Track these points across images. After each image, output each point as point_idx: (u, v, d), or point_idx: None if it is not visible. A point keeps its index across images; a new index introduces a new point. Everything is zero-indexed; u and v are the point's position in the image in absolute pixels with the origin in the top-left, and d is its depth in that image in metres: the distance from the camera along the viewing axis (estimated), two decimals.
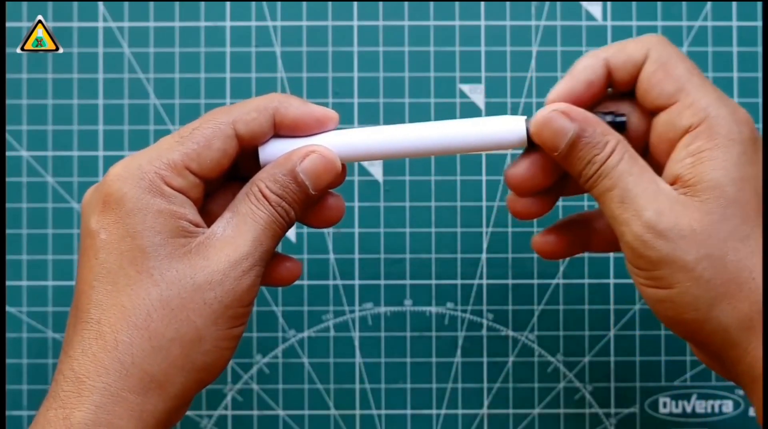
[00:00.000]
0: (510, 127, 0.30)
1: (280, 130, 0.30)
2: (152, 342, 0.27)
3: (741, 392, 0.41)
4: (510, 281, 0.41)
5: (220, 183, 0.31)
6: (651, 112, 0.29)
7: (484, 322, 0.41)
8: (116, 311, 0.27)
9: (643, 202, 0.27)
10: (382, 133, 0.30)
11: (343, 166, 0.30)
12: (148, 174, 0.28)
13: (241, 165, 0.31)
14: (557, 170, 0.30)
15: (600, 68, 0.29)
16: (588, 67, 0.29)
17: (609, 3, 0.41)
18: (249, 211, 0.29)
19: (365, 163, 0.41)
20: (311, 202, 0.30)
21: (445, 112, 0.41)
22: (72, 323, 0.28)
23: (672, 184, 0.28)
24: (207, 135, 0.28)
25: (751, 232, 0.27)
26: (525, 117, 0.30)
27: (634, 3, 0.41)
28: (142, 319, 0.27)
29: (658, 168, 0.29)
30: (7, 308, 0.41)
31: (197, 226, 0.28)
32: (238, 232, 0.28)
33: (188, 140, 0.28)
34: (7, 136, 0.41)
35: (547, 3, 0.41)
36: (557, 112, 0.28)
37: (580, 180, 0.29)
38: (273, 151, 0.30)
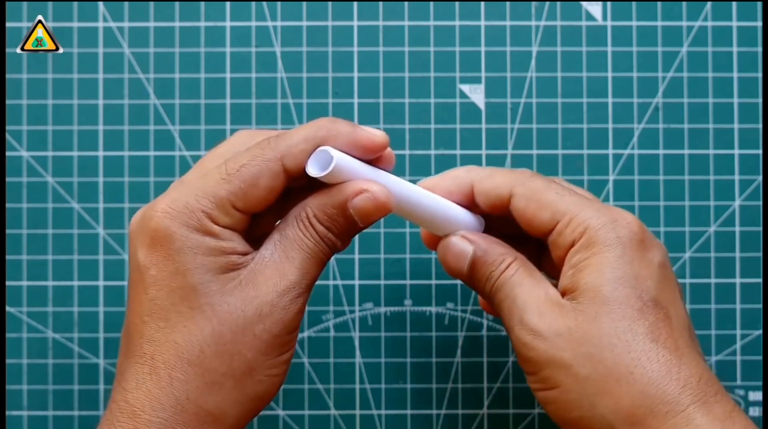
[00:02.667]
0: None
1: None
2: (206, 378, 0.27)
3: (741, 392, 0.41)
4: None
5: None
6: (543, 238, 0.31)
7: (484, 322, 0.41)
8: (170, 348, 0.27)
9: (529, 308, 0.29)
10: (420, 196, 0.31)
11: None
12: (196, 212, 0.28)
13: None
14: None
15: (466, 185, 0.32)
16: (457, 177, 0.32)
17: (609, 3, 0.41)
18: (296, 238, 0.29)
19: None
20: (357, 232, 0.30)
21: (445, 112, 0.41)
22: (124, 353, 0.29)
23: (562, 296, 0.30)
24: (254, 173, 0.28)
25: (629, 328, 0.28)
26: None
27: (634, 3, 0.41)
28: (196, 356, 0.27)
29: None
30: (7, 308, 0.41)
31: (246, 254, 0.29)
32: (285, 258, 0.29)
33: (235, 178, 0.28)
34: (7, 136, 0.41)
35: (547, 3, 0.41)
36: (457, 237, 0.32)
37: (482, 294, 0.32)
38: (321, 162, 0.29)
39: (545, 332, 0.29)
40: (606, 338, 0.28)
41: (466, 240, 0.32)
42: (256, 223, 0.30)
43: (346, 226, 0.29)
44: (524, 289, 0.30)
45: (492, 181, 0.32)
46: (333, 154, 0.28)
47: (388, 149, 0.30)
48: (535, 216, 0.31)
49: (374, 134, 0.29)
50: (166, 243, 0.28)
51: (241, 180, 0.28)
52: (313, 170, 0.28)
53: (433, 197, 0.32)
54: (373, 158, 0.30)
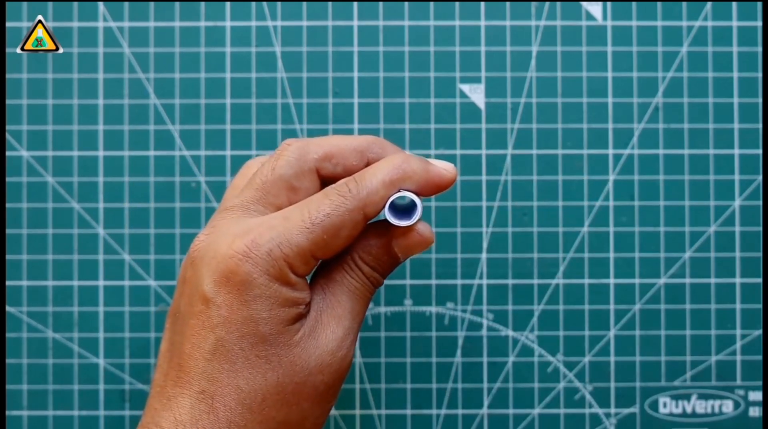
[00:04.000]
0: None
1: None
2: (263, 425, 0.27)
3: (741, 392, 0.41)
4: (510, 281, 0.41)
5: None
6: None
7: (484, 322, 0.41)
8: (232, 391, 0.27)
9: None
10: None
11: None
12: (278, 261, 0.27)
13: None
14: None
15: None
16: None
17: (609, 3, 0.41)
18: (344, 281, 0.29)
19: None
20: (398, 265, 0.31)
21: (445, 112, 0.41)
22: (173, 380, 0.28)
23: None
24: (337, 224, 0.28)
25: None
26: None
27: (634, 3, 0.41)
28: (258, 404, 0.27)
29: None
30: (7, 308, 0.41)
31: (309, 303, 0.29)
32: (338, 302, 0.29)
33: (318, 229, 0.27)
34: (7, 136, 0.41)
35: (547, 3, 0.41)
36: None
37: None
38: (397, 204, 0.29)
39: None
40: None
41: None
42: None
43: (390, 264, 0.30)
44: None
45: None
46: (418, 206, 0.28)
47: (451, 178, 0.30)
48: None
49: (446, 172, 0.29)
50: (243, 287, 0.27)
51: (324, 231, 0.27)
52: (393, 217, 0.28)
53: None
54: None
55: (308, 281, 0.29)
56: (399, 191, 0.28)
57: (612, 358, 0.41)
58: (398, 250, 0.29)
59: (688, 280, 0.41)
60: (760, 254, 0.41)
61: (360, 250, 0.29)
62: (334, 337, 0.28)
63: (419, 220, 0.29)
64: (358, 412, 0.41)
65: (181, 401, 0.27)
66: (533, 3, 0.41)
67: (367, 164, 0.30)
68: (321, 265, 0.30)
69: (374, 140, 0.30)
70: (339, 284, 0.29)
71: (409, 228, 0.29)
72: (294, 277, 0.27)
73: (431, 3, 0.41)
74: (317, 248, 0.27)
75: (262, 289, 0.27)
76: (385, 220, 0.29)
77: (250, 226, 0.28)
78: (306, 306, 0.28)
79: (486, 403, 0.41)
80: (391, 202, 0.28)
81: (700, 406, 0.41)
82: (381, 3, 0.41)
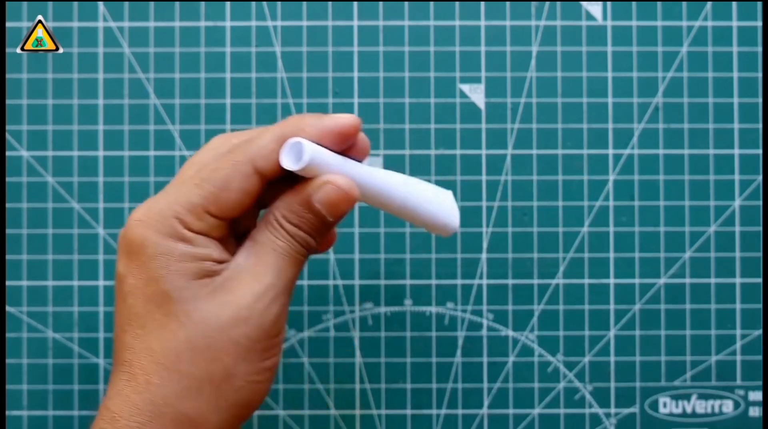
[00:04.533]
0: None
1: None
2: (183, 383, 0.27)
3: (741, 392, 0.41)
4: (510, 281, 0.41)
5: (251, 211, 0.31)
6: None
7: (484, 322, 0.41)
8: (146, 354, 0.27)
9: None
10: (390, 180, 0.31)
11: None
12: (168, 219, 0.28)
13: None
14: None
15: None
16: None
17: (609, 3, 0.41)
18: (268, 241, 0.29)
19: (365, 163, 0.41)
20: (330, 229, 0.30)
21: (445, 112, 0.41)
22: (113, 364, 0.29)
23: None
24: (225, 176, 0.28)
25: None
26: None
27: (634, 3, 0.41)
28: (172, 361, 0.27)
29: None
30: (7, 308, 0.41)
31: (222, 262, 0.29)
32: (259, 261, 0.29)
33: (207, 183, 0.28)
34: (7, 136, 0.41)
35: (547, 3, 0.41)
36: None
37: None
38: (296, 155, 0.29)
39: None
40: None
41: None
42: (246, 228, 0.30)
43: (316, 222, 0.29)
44: None
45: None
46: (305, 147, 0.28)
47: (362, 137, 0.30)
48: None
49: (340, 118, 0.29)
50: (140, 251, 0.28)
51: (213, 184, 0.28)
52: (287, 163, 0.28)
53: (406, 183, 0.32)
54: (347, 146, 0.30)
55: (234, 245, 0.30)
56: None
57: (612, 358, 0.41)
58: (319, 205, 0.29)
59: (688, 280, 0.41)
60: (760, 254, 0.41)
61: (282, 209, 0.29)
62: (250, 291, 0.28)
63: (339, 177, 0.29)
64: (358, 412, 0.41)
65: (114, 379, 0.28)
66: (533, 3, 0.41)
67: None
68: (250, 229, 0.30)
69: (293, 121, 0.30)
70: (262, 244, 0.29)
71: (326, 181, 0.29)
72: (188, 233, 0.28)
73: (431, 3, 0.41)
74: (208, 202, 0.28)
75: (156, 249, 0.28)
76: (303, 179, 0.29)
77: (149, 199, 0.29)
78: (215, 262, 0.28)
79: (486, 403, 0.41)
80: (303, 160, 0.28)
81: (700, 406, 0.41)
82: (381, 3, 0.41)
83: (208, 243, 0.28)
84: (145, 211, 0.28)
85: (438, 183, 0.41)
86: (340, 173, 0.29)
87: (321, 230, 0.30)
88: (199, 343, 0.27)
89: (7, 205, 0.41)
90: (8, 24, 0.41)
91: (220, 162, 0.28)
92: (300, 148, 0.28)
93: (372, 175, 0.31)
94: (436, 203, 0.33)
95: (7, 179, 0.41)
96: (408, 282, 0.41)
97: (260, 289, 0.28)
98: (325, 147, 0.29)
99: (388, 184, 0.31)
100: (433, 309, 0.41)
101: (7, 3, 0.41)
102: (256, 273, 0.28)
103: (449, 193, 0.33)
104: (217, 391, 0.28)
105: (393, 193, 0.31)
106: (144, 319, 0.28)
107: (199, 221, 0.28)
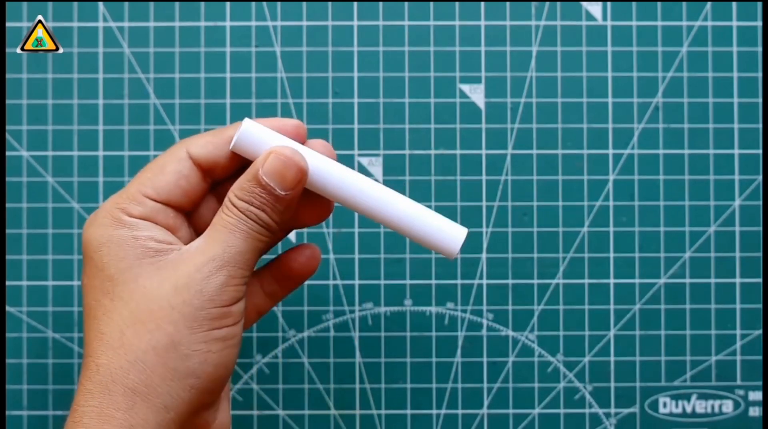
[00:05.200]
0: (450, 236, 0.31)
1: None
2: (128, 357, 0.28)
3: (741, 392, 0.41)
4: (510, 281, 0.41)
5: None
6: None
7: (484, 322, 0.41)
8: (95, 339, 0.28)
9: None
10: (352, 179, 0.31)
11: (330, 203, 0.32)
12: (107, 210, 0.29)
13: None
14: None
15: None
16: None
17: (609, 3, 0.41)
18: (219, 221, 0.29)
19: (365, 163, 0.41)
20: (286, 203, 0.30)
21: (445, 112, 0.41)
22: None
23: None
24: (161, 161, 0.30)
25: None
26: (465, 232, 0.31)
27: (634, 3, 0.41)
28: (116, 339, 0.28)
29: None
30: (7, 308, 0.41)
31: (169, 243, 0.29)
32: (207, 237, 0.29)
33: (145, 170, 0.30)
34: (7, 136, 0.41)
35: (547, 3, 0.41)
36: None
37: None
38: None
39: None
40: None
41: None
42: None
43: (268, 197, 0.29)
44: None
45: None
46: (243, 123, 0.29)
47: (322, 144, 0.31)
48: None
49: (285, 120, 0.31)
50: (87, 249, 0.29)
51: (151, 170, 0.30)
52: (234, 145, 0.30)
53: (356, 174, 0.31)
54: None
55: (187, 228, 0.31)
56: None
57: (612, 358, 0.41)
58: (267, 178, 0.29)
59: (688, 280, 0.41)
60: (760, 254, 0.41)
61: (234, 189, 0.29)
62: (193, 264, 0.28)
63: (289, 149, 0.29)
64: (358, 412, 0.41)
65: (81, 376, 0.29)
66: (533, 3, 0.41)
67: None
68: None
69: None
70: (213, 224, 0.29)
71: (270, 151, 0.29)
72: (128, 219, 0.29)
73: (431, 3, 0.41)
74: (144, 187, 0.29)
75: (98, 239, 0.29)
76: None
77: None
78: (160, 243, 0.29)
79: (486, 403, 0.41)
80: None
81: (700, 406, 0.41)
82: (381, 3, 0.41)
83: (151, 227, 0.29)
84: (93, 213, 0.30)
85: (438, 183, 0.41)
86: (285, 145, 0.30)
87: (274, 205, 0.29)
88: (142, 316, 0.28)
89: (7, 205, 0.41)
90: (8, 24, 0.41)
91: (162, 153, 0.30)
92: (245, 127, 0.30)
93: (316, 156, 0.30)
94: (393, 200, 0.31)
95: (7, 179, 0.41)
96: (408, 282, 0.41)
97: (202, 261, 0.28)
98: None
99: (337, 167, 0.31)
100: (433, 309, 0.41)
101: (7, 3, 0.41)
102: (202, 249, 0.29)
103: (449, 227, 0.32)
104: (161, 360, 0.28)
105: (341, 176, 0.30)
106: (95, 309, 0.28)
107: (139, 206, 0.29)
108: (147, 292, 0.28)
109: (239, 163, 0.31)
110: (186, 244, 0.30)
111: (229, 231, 0.29)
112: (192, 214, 0.31)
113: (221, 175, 0.31)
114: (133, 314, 0.28)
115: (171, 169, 0.30)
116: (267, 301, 0.33)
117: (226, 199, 0.30)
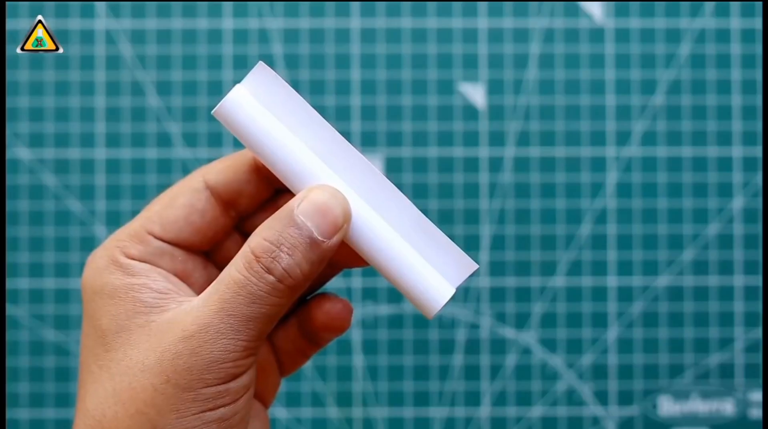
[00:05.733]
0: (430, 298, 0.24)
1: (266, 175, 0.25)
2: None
3: (741, 392, 0.41)
4: (510, 281, 0.41)
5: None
6: None
7: (484, 322, 0.41)
8: (81, 414, 0.24)
9: None
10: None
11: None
12: (106, 249, 0.24)
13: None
14: None
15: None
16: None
17: (609, 3, 0.41)
18: (226, 276, 0.23)
19: None
20: (323, 254, 0.23)
21: (446, 112, 0.41)
22: None
23: None
24: (172, 193, 0.25)
25: None
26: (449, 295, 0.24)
27: (634, 3, 0.41)
28: (97, 420, 0.23)
29: None
30: (7, 308, 0.41)
31: (167, 296, 0.24)
32: (208, 300, 0.23)
33: (156, 201, 0.25)
34: (7, 136, 0.41)
35: (547, 3, 0.41)
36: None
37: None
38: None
39: None
40: None
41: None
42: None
43: (301, 240, 0.23)
44: None
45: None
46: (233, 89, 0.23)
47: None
48: None
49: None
50: (84, 295, 0.25)
51: (160, 203, 0.25)
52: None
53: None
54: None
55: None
56: None
57: (612, 358, 0.41)
58: (302, 216, 0.23)
59: (688, 281, 0.41)
60: (760, 254, 0.41)
61: (256, 233, 0.23)
62: (182, 333, 0.23)
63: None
64: (358, 412, 0.41)
65: None
66: (533, 3, 0.41)
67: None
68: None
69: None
70: (219, 280, 0.23)
71: (310, 189, 0.23)
72: (126, 260, 0.24)
73: (431, 3, 0.41)
74: (150, 223, 0.24)
75: (92, 284, 0.24)
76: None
77: None
78: (156, 293, 0.24)
79: (486, 403, 0.41)
80: None
81: (700, 406, 0.41)
82: (381, 3, 0.41)
83: (150, 271, 0.24)
84: (93, 251, 0.25)
85: (438, 183, 0.41)
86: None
87: (308, 253, 0.23)
88: (123, 395, 0.23)
89: (7, 205, 0.41)
90: (8, 24, 0.41)
91: (177, 182, 0.25)
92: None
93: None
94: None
95: (7, 179, 0.41)
96: None
97: (192, 329, 0.22)
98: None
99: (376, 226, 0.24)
100: None
101: (7, 3, 0.41)
102: (195, 312, 0.23)
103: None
104: None
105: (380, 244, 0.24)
106: (84, 375, 0.24)
107: (140, 245, 0.24)
108: (131, 365, 0.23)
109: (267, 190, 0.25)
110: (199, 293, 0.24)
111: (233, 291, 0.23)
112: (215, 253, 0.26)
113: (247, 208, 0.25)
114: (116, 392, 0.23)
115: (182, 202, 0.24)
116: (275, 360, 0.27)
117: (244, 248, 0.23)
